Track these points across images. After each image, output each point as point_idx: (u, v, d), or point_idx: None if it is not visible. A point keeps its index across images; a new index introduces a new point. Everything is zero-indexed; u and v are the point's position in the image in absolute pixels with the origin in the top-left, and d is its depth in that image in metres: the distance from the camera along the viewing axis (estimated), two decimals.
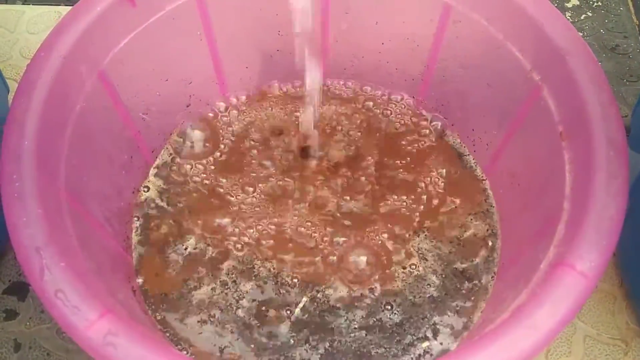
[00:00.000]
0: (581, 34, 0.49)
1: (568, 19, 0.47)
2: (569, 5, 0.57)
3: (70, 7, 0.36)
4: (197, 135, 0.46)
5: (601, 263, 0.28)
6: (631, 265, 0.41)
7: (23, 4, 0.57)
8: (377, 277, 0.40)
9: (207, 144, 0.45)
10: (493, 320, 0.30)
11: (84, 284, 0.29)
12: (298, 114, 0.46)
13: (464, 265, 0.41)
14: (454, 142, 0.46)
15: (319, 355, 0.38)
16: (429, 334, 0.38)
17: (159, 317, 0.39)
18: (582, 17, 0.56)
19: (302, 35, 0.38)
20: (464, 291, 0.40)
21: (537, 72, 0.37)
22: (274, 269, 0.40)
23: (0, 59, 0.53)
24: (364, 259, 0.41)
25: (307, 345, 0.38)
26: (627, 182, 0.31)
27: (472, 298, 0.39)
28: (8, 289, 0.43)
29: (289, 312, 0.39)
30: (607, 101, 0.33)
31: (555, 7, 0.37)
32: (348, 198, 0.43)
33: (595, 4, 0.57)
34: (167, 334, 0.38)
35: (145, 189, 0.44)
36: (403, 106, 0.47)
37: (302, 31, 0.38)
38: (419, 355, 0.38)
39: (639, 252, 0.39)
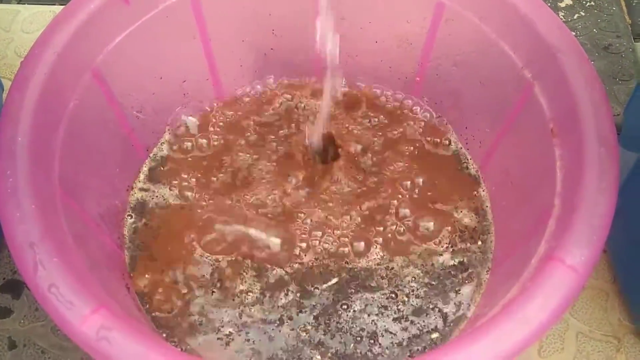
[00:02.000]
0: (574, 33, 0.49)
1: (561, 19, 0.47)
2: (562, 5, 0.58)
3: None
4: (191, 132, 0.46)
5: (591, 258, 0.28)
6: (623, 262, 0.42)
7: (18, 3, 0.57)
8: (377, 270, 0.40)
9: (201, 142, 0.45)
10: (485, 314, 0.31)
11: (78, 279, 0.29)
12: (292, 108, 0.47)
13: (458, 260, 0.41)
14: (447, 140, 0.46)
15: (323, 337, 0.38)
16: (422, 328, 0.38)
17: (152, 314, 0.39)
18: (575, 17, 0.57)
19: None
20: (458, 285, 0.40)
21: (529, 70, 0.37)
22: (269, 264, 0.41)
23: None
24: (361, 250, 0.41)
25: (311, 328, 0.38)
26: (618, 179, 0.31)
27: (467, 292, 0.40)
28: (2, 286, 0.43)
29: (285, 296, 0.39)
30: (599, 99, 0.33)
31: (549, 7, 0.37)
32: (341, 194, 0.43)
33: (588, 3, 0.58)
34: (161, 331, 0.38)
35: (139, 187, 0.44)
36: (396, 105, 0.47)
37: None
38: (424, 347, 0.38)
39: (631, 249, 0.40)
